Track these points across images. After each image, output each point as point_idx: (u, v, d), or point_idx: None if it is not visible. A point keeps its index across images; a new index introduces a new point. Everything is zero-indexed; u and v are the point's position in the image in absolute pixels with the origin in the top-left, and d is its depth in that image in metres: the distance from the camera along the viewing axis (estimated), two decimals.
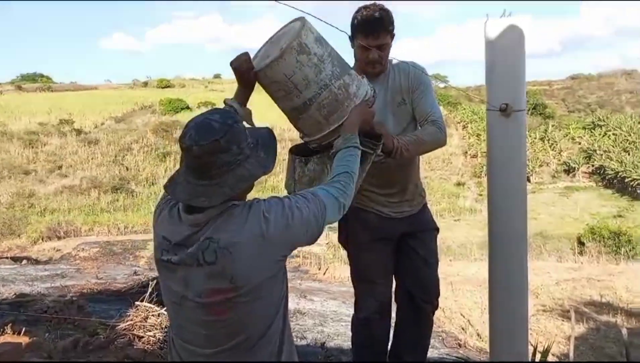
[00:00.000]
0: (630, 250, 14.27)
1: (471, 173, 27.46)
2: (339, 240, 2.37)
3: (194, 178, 1.33)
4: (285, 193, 1.79)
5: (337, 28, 1.72)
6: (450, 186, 26.35)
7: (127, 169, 25.96)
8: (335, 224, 2.27)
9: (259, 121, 1.63)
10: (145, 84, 50.34)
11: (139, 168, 26.22)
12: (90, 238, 16.08)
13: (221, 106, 1.72)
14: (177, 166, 1.42)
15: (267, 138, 1.46)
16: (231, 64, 1.70)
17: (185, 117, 31.92)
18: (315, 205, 1.41)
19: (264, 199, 1.40)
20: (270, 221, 1.34)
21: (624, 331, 5.20)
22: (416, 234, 2.27)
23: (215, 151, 1.30)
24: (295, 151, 1.94)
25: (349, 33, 2.06)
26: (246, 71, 1.67)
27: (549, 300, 8.32)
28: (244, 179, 1.34)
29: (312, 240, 1.43)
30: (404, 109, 2.12)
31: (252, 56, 1.75)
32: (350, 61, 1.94)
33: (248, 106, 1.74)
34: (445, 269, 10.58)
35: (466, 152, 29.70)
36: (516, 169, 1.87)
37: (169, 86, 46.98)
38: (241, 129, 1.37)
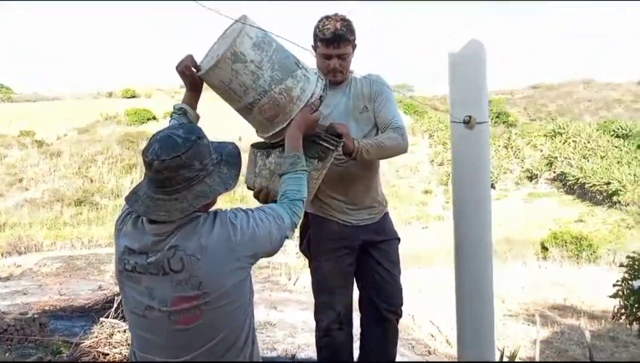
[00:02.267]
0: (591, 254, 14.69)
1: (438, 180, 27.89)
2: (300, 249, 2.38)
3: (154, 191, 1.33)
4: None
5: (283, 37, 1.72)
6: (418, 194, 26.69)
7: (91, 181, 25.35)
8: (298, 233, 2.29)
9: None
10: (110, 94, 49.36)
11: (104, 180, 25.64)
12: (52, 252, 15.58)
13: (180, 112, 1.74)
14: (142, 177, 1.42)
15: (231, 154, 1.47)
16: (176, 68, 1.71)
17: (152, 128, 31.42)
18: (274, 219, 1.44)
19: (228, 210, 1.42)
20: (237, 228, 1.36)
21: (587, 333, 5.35)
22: (378, 244, 2.29)
23: (177, 166, 1.30)
24: (256, 146, 1.97)
25: (301, 45, 2.07)
26: (190, 75, 1.69)
27: (515, 305, 8.48)
28: (204, 195, 1.35)
29: (272, 252, 1.46)
30: (365, 116, 2.16)
31: (206, 53, 1.77)
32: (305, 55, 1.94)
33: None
34: (414, 276, 10.66)
35: (433, 160, 30.14)
36: (480, 180, 1.91)
37: (134, 96, 46.16)
38: (205, 144, 1.38)
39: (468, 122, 1.83)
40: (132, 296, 1.40)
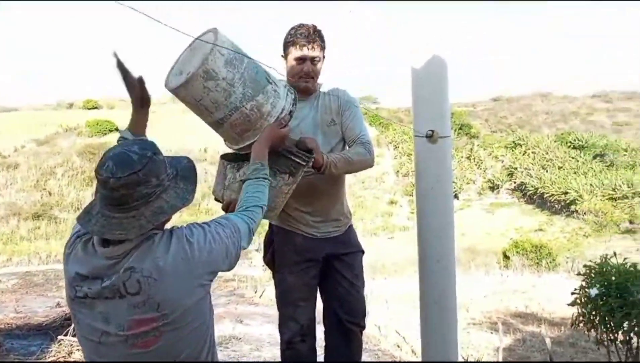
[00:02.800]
0: (550, 262, 15.11)
1: (403, 191, 28.24)
2: (264, 261, 2.38)
3: (109, 210, 1.30)
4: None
5: (243, 54, 1.72)
6: (384, 205, 26.95)
7: (50, 194, 24.61)
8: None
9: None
10: (71, 105, 48.18)
11: (63, 193, 24.92)
12: (8, 268, 15.01)
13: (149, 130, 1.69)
14: None
15: (187, 168, 1.44)
16: (129, 93, 1.68)
17: (114, 139, 30.74)
18: (232, 232, 1.42)
19: (184, 226, 1.39)
20: (193, 245, 1.34)
21: (548, 340, 5.48)
22: (342, 256, 2.30)
23: (133, 183, 1.27)
24: (226, 157, 1.95)
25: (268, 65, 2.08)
26: (141, 99, 1.66)
27: (478, 314, 8.62)
28: (163, 211, 1.32)
29: (230, 267, 1.44)
30: (333, 130, 2.18)
31: (172, 65, 1.76)
32: (275, 63, 1.95)
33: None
34: (380, 287, 10.73)
35: (398, 171, 30.56)
36: (443, 192, 1.95)
37: (96, 107, 45.20)
38: (161, 160, 1.35)
39: (431, 137, 1.88)
40: (87, 323, 1.35)
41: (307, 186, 2.02)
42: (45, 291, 11.43)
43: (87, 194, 24.14)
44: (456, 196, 29.15)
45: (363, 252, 2.41)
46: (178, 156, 1.51)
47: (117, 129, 32.84)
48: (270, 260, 2.34)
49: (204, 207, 24.55)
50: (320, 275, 2.30)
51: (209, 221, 1.44)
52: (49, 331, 4.82)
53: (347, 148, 2.20)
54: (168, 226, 1.42)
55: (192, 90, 1.64)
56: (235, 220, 1.46)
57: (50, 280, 12.69)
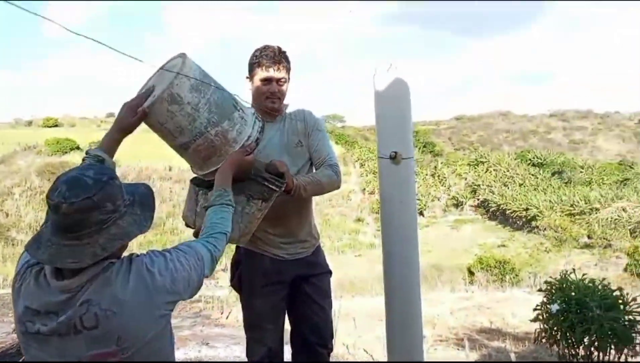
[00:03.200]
0: (513, 278, 15.43)
1: (369, 209, 28.43)
2: (231, 284, 2.34)
3: (61, 237, 1.22)
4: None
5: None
6: (351, 223, 27.06)
7: (7, 215, 23.76)
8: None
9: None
10: (30, 123, 46.88)
11: (21, 213, 24.10)
12: None
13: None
14: None
15: (144, 195, 1.39)
16: (129, 103, 1.67)
17: (75, 158, 30.01)
18: (195, 260, 1.38)
19: (144, 254, 1.34)
20: (154, 275, 1.29)
21: (512, 356, 5.58)
22: (310, 278, 2.29)
23: (86, 209, 1.21)
24: (196, 182, 1.93)
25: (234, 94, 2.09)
26: (142, 114, 1.66)
27: (444, 330, 8.69)
28: (118, 238, 1.26)
29: (191, 296, 1.39)
30: (300, 151, 2.19)
31: (141, 87, 1.75)
32: (241, 91, 1.96)
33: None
34: (348, 305, 10.70)
35: (364, 189, 30.80)
36: (407, 212, 1.99)
37: (57, 125, 44.10)
38: (117, 185, 1.30)
39: (394, 158, 1.91)
40: (41, 357, 1.27)
41: (275, 208, 2.02)
42: (2, 315, 10.95)
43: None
44: (421, 213, 29.56)
45: (331, 273, 2.41)
46: (135, 182, 1.46)
47: (78, 148, 32.06)
48: (237, 282, 2.31)
49: (168, 227, 24.13)
50: (288, 297, 2.29)
51: (170, 249, 1.39)
52: (5, 358, 4.62)
53: (313, 169, 2.22)
54: (126, 252, 1.35)
55: (157, 113, 1.63)
56: (198, 248, 1.41)
57: (7, 304, 12.16)
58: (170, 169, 29.43)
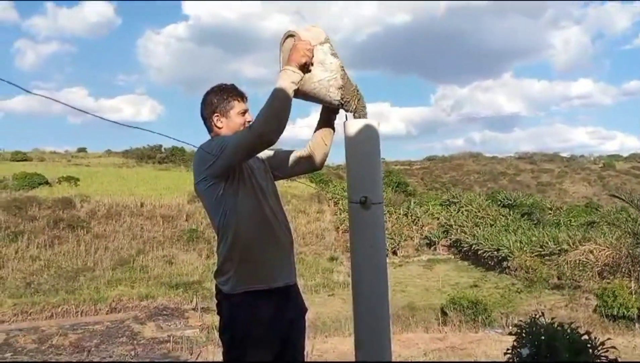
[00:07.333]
0: (486, 318, 15.48)
1: (343, 247, 28.35)
2: (221, 337, 2.16)
3: None
4: None
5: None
6: (324, 261, 26.89)
7: None
8: (212, 305, 2.18)
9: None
10: None
11: None
12: None
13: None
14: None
15: None
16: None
17: (43, 193, 29.30)
18: None
19: None
20: None
21: None
22: (295, 322, 2.22)
23: None
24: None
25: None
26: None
27: None
28: None
29: None
30: (270, 175, 2.30)
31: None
32: None
33: None
34: (321, 346, 10.56)
35: (338, 227, 30.77)
36: (377, 257, 2.00)
37: (25, 159, 43.26)
38: None
39: (364, 203, 1.94)
40: None
41: (270, 232, 2.09)
42: None
43: (11, 251, 22.59)
44: (395, 253, 29.61)
45: (306, 311, 2.39)
46: None
47: (47, 183, 31.37)
48: (229, 336, 2.11)
49: (138, 264, 23.60)
50: None
51: None
52: None
53: (292, 156, 2.34)
54: None
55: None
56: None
57: None
58: (142, 206, 28.97)
